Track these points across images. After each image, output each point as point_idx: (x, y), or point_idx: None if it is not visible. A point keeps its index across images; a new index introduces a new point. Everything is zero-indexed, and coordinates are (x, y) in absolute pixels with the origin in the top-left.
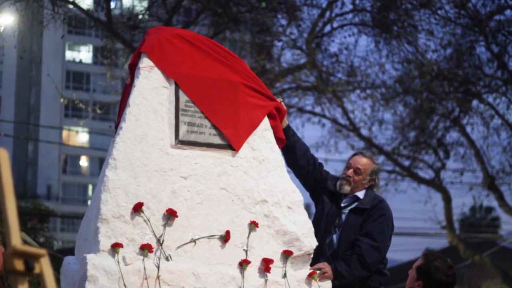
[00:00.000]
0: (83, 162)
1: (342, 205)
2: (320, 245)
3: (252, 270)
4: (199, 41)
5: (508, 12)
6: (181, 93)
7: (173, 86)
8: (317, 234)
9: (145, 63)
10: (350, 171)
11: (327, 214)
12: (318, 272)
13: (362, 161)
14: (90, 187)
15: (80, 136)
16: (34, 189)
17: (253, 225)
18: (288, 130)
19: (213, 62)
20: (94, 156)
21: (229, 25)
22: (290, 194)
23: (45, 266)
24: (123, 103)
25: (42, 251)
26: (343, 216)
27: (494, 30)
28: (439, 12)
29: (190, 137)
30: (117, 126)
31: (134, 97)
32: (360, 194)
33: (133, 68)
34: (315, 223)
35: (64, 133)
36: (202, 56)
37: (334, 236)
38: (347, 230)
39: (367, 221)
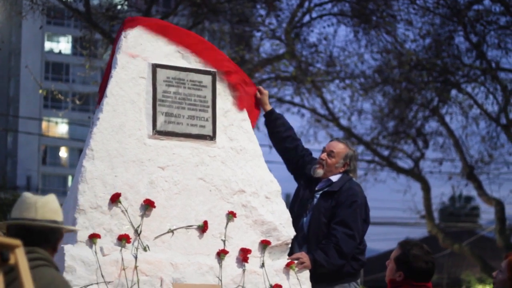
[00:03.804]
0: (63, 153)
1: (316, 189)
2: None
3: (230, 260)
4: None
5: (486, 2)
6: (158, 84)
7: (151, 76)
8: (292, 218)
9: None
10: (324, 154)
11: (301, 198)
12: (296, 261)
13: (337, 146)
14: (69, 178)
15: (59, 127)
16: (14, 180)
17: (231, 215)
18: (271, 114)
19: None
20: (74, 147)
21: (208, 16)
22: (268, 184)
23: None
24: (102, 92)
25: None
26: (315, 200)
27: (473, 20)
28: (417, 2)
29: (168, 127)
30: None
31: (112, 88)
32: (334, 178)
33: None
34: (291, 207)
35: (44, 124)
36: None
37: (305, 219)
38: (317, 213)
39: (340, 207)
